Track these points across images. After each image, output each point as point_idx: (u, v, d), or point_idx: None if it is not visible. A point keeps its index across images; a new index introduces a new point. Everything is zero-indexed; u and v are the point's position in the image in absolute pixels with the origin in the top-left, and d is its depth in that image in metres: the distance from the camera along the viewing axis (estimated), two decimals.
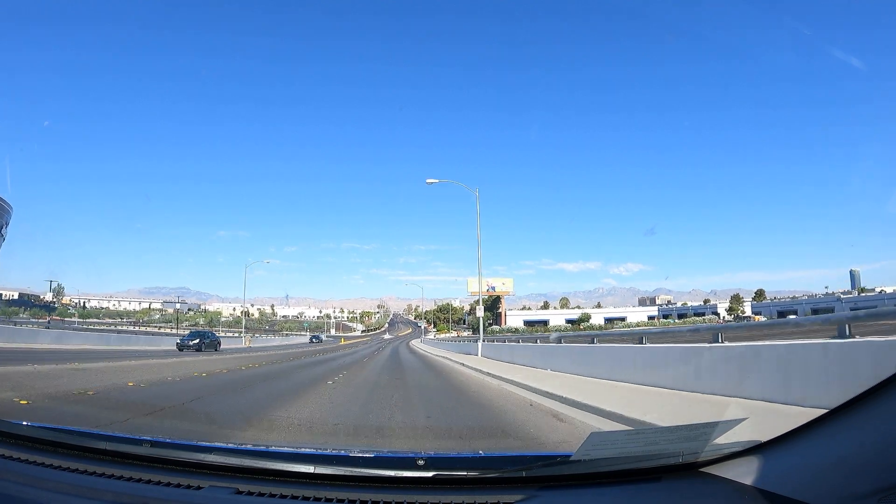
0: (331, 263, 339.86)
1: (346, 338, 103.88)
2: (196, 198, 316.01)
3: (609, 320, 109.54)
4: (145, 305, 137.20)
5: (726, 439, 1.50)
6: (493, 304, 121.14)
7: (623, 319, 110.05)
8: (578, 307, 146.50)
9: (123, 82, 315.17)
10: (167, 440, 2.00)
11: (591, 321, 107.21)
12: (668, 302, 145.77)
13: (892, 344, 5.04)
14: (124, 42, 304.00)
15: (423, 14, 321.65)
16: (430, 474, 1.56)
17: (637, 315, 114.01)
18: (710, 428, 1.51)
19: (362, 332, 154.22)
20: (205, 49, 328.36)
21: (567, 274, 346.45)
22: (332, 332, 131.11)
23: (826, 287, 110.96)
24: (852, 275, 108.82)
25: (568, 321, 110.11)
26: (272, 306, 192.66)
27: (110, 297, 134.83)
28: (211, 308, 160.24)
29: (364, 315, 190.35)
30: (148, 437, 1.91)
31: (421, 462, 1.61)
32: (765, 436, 1.44)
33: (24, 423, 2.09)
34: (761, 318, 78.27)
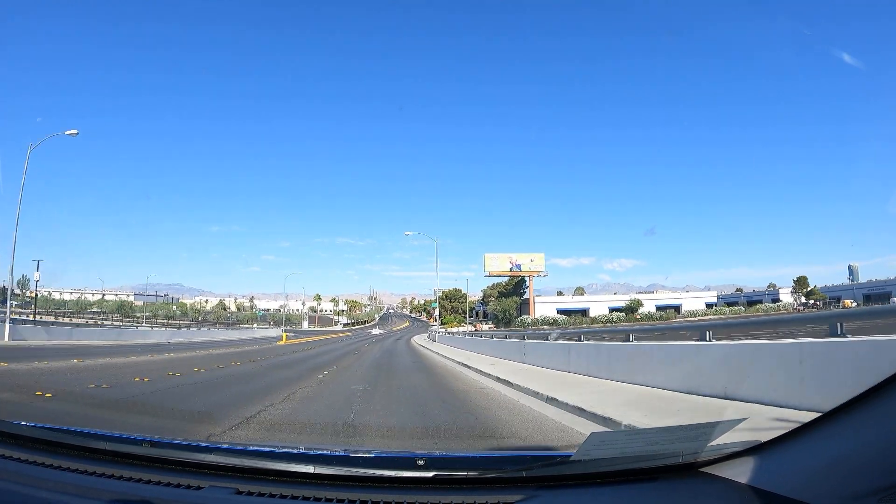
0: (325, 258, 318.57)
1: (306, 334, 67.17)
2: (190, 194, 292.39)
3: (661, 308, 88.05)
4: (128, 300, 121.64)
5: (726, 439, 1.49)
6: (515, 288, 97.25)
7: (677, 308, 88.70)
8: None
9: (114, 79, 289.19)
10: (167, 440, 1.98)
11: (642, 309, 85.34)
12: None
13: None
14: (117, 37, 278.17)
15: (419, 7, 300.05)
16: (430, 474, 1.54)
17: (693, 302, 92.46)
18: (710, 428, 1.50)
19: (344, 325, 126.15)
20: (196, 44, 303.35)
21: (561, 269, 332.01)
22: (305, 325, 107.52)
23: (850, 278, 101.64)
24: (851, 270, 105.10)
25: (612, 309, 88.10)
26: (251, 298, 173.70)
27: (100, 291, 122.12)
28: (188, 302, 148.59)
29: (352, 306, 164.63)
30: (148, 437, 1.89)
31: (421, 462, 1.59)
32: (764, 436, 1.43)
33: (24, 423, 2.06)
34: (852, 304, 66.98)
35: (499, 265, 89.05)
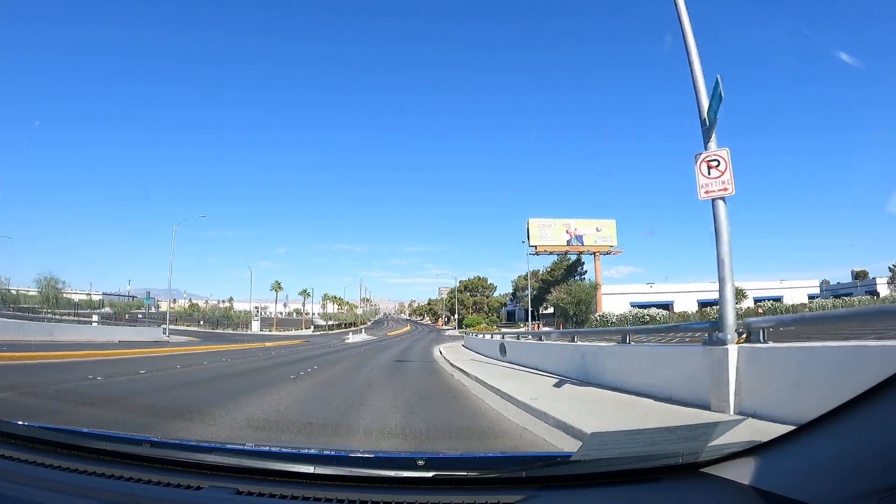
0: (322, 264, 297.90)
1: (216, 339, 41.23)
2: (190, 200, 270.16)
3: (758, 301, 67.44)
4: (95, 299, 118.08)
5: (726, 440, 1.49)
6: (567, 274, 67.72)
7: (777, 300, 68.21)
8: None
9: (112, 84, 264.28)
10: (167, 440, 1.99)
11: (745, 302, 64.16)
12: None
13: None
14: (117, 44, 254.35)
15: (419, 16, 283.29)
16: (430, 474, 1.54)
17: (794, 293, 71.86)
18: (711, 428, 1.50)
19: (316, 328, 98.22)
20: (196, 52, 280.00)
21: None
22: (255, 327, 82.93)
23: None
24: (854, 276, 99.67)
25: (702, 303, 66.90)
26: (230, 299, 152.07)
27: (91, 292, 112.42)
28: (170, 304, 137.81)
29: (340, 305, 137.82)
30: (148, 437, 1.90)
31: (421, 462, 1.59)
32: (764, 436, 1.43)
33: (22, 422, 2.04)
34: None
35: (552, 237, 61.67)
